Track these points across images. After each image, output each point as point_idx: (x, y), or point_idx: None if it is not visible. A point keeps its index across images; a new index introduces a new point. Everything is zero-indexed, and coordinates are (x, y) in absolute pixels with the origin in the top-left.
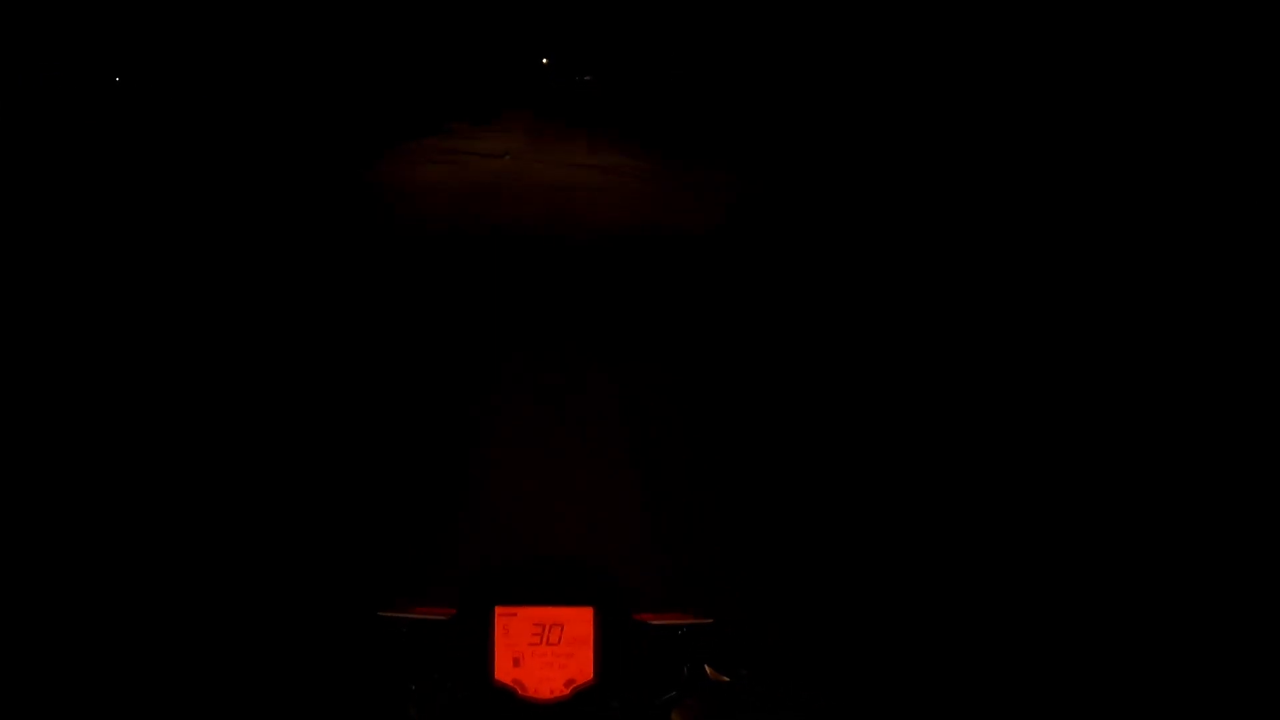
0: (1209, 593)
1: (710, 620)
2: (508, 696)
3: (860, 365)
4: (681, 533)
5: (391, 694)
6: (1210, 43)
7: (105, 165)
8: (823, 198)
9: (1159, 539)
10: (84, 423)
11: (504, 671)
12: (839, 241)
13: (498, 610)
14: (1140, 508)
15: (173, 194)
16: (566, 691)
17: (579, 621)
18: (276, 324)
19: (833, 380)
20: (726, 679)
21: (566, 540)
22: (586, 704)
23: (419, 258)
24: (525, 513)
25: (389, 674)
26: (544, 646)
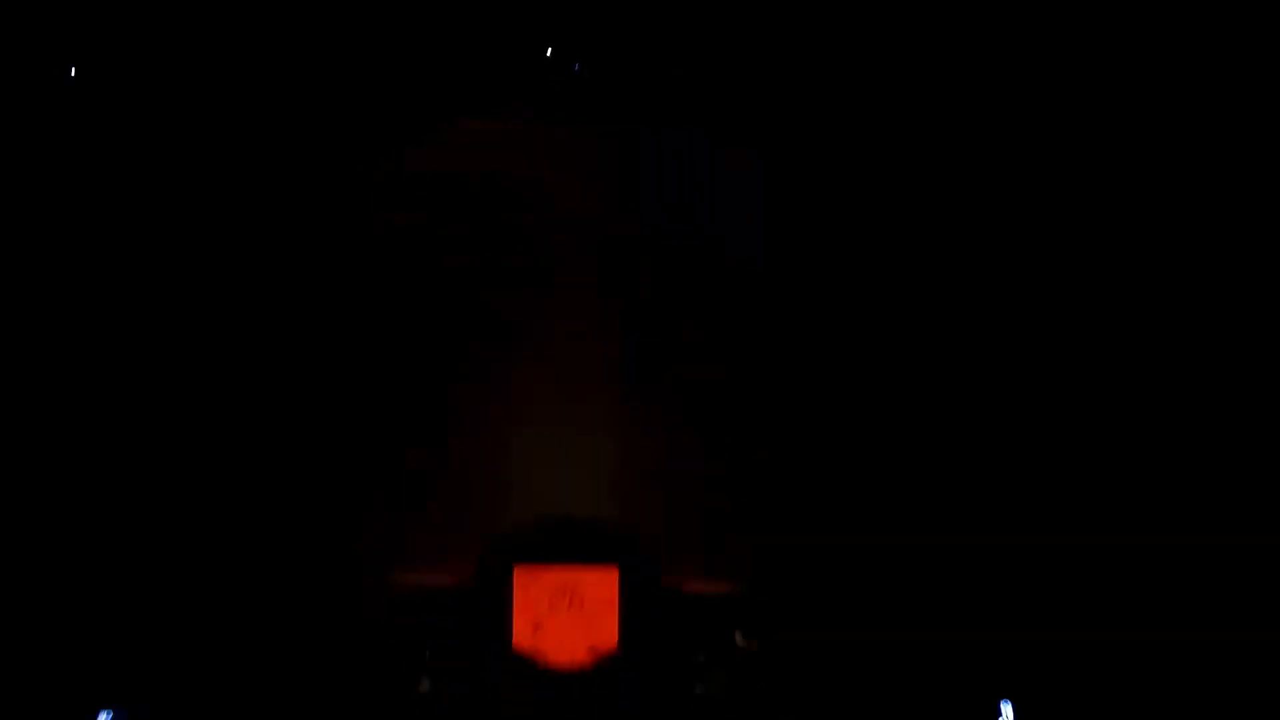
0: (1210, 592)
1: (741, 589)
2: (527, 666)
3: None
4: (701, 485)
5: (406, 664)
6: (1211, 43)
7: (101, 161)
8: (834, 191)
9: (1159, 541)
10: (101, 410)
11: (523, 636)
12: (857, 232)
13: (516, 570)
14: (1142, 512)
15: (166, 193)
16: (589, 659)
17: (603, 582)
18: (277, 306)
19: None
20: (756, 646)
21: (585, 499)
22: (610, 673)
23: (418, 246)
24: (541, 473)
25: (403, 644)
26: (566, 609)
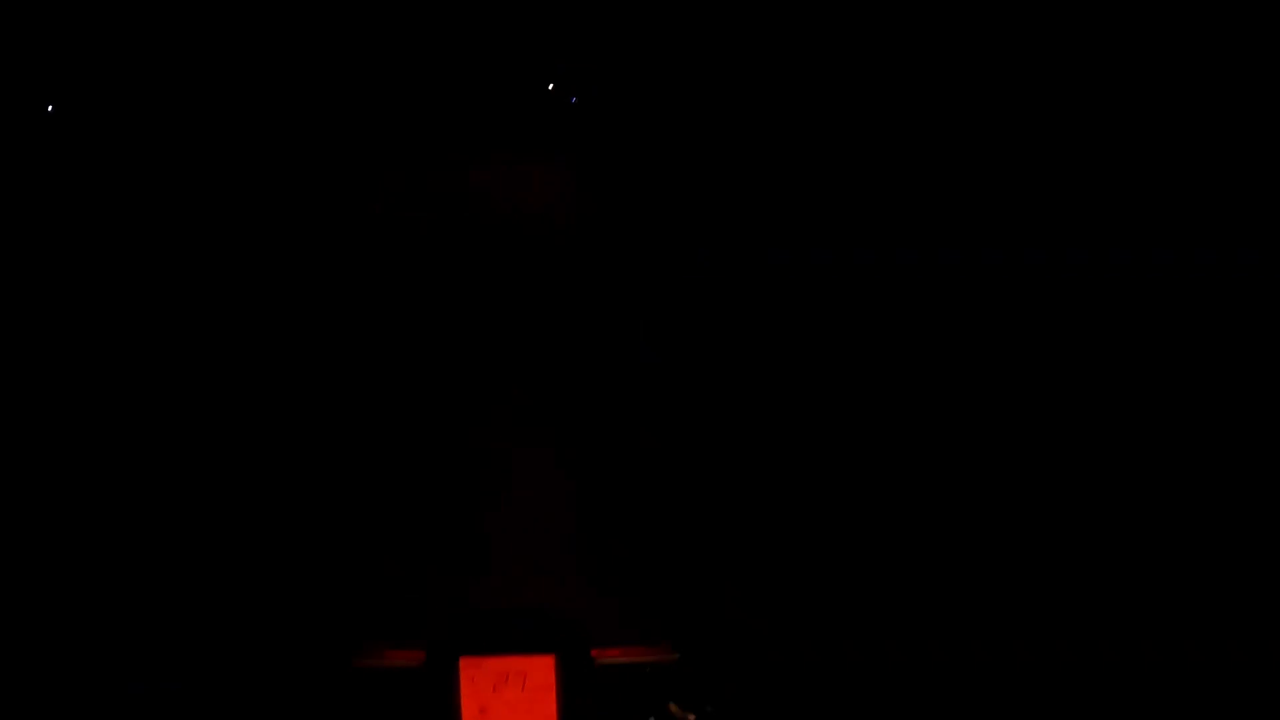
0: (1210, 594)
1: (675, 656)
2: None
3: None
4: (636, 551)
5: None
6: (1211, 43)
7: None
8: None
9: (1160, 546)
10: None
11: (470, 718)
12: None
13: (462, 660)
14: (1141, 516)
15: (171, 220)
16: None
17: (541, 669)
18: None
19: (805, 388)
20: (692, 717)
21: (526, 582)
22: None
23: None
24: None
25: None
26: (508, 694)
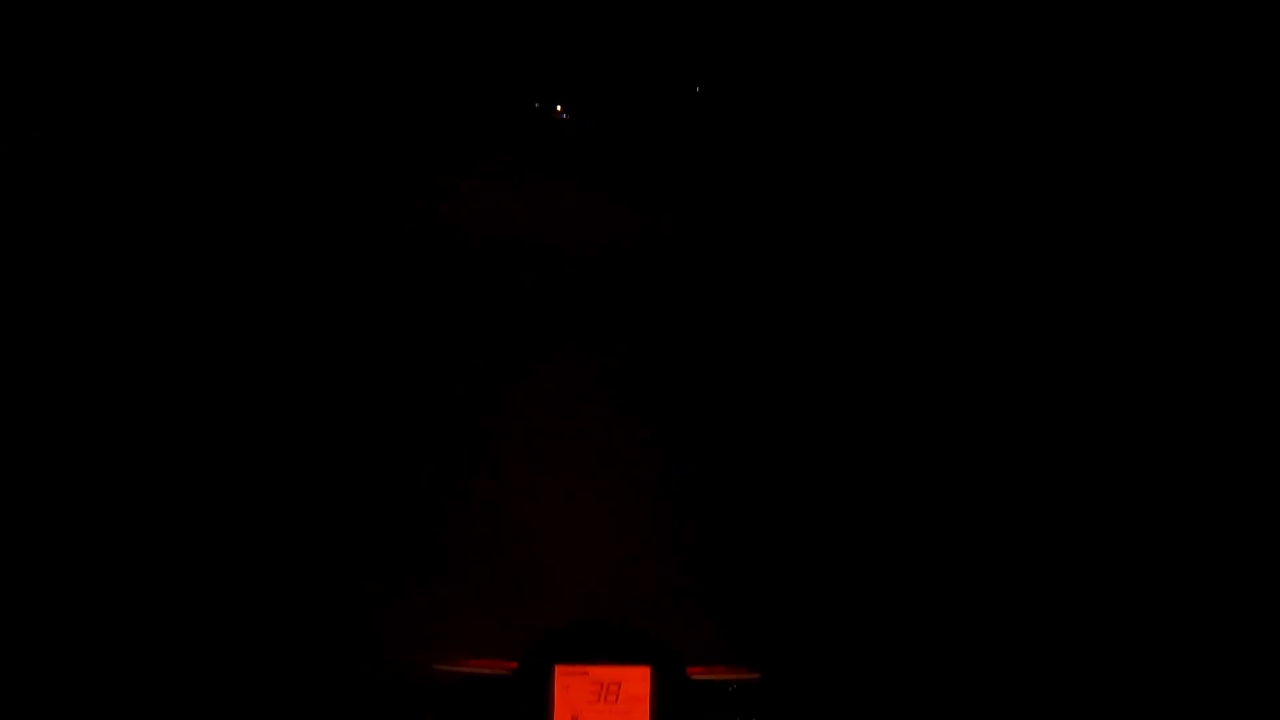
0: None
1: (758, 675)
2: None
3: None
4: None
5: None
6: (1210, 43)
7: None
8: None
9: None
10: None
11: None
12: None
13: (558, 669)
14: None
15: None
16: None
17: (637, 680)
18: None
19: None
20: None
21: (614, 597)
22: None
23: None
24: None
25: None
26: (603, 704)
